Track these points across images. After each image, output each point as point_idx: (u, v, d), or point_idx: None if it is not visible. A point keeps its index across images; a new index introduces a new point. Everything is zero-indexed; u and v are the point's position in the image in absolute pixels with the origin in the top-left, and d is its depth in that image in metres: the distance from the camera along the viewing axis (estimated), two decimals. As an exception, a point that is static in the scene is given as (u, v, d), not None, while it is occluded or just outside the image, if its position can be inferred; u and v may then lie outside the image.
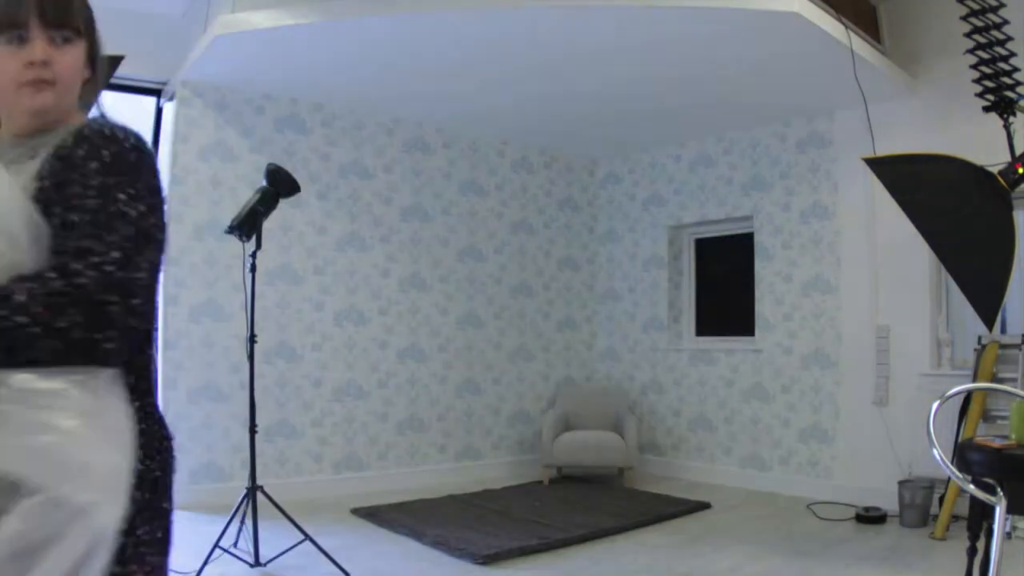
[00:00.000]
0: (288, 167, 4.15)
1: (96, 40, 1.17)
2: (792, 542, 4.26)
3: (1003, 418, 4.17)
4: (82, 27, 1.13)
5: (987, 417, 4.33)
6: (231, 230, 3.55)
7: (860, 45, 4.46)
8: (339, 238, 5.57)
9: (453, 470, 5.93)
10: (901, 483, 4.68)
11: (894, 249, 5.11)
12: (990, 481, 2.32)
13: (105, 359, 1.00)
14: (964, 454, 2.40)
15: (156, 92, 5.27)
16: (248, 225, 3.56)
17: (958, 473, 2.33)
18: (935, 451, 2.26)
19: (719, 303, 6.59)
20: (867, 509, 4.71)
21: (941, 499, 4.42)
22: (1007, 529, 3.93)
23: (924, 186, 3.56)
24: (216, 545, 3.36)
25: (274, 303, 5.24)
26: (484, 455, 6.19)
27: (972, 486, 2.31)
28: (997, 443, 2.44)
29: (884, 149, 4.16)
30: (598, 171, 7.19)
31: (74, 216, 0.99)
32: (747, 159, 6.04)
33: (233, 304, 5.03)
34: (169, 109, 5.12)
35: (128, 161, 1.05)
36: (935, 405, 2.39)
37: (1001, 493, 2.26)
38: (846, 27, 4.27)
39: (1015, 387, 3.94)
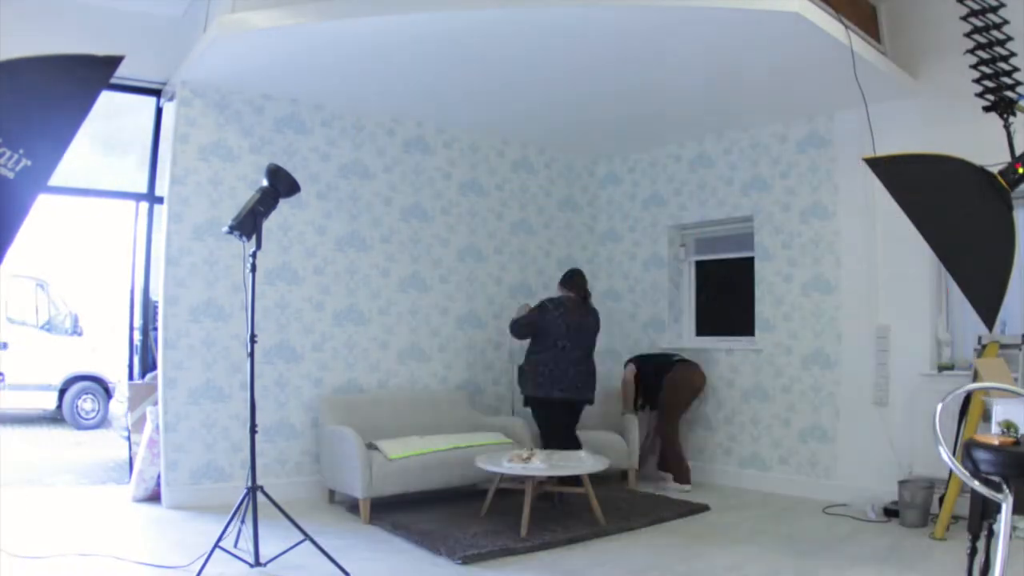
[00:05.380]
0: (288, 167, 4.14)
1: None
2: (792, 542, 4.25)
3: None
4: None
5: (988, 417, 4.33)
6: (231, 230, 3.55)
7: (860, 45, 4.46)
8: (339, 238, 5.57)
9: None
10: (901, 483, 4.68)
11: (894, 249, 5.12)
12: (995, 479, 2.32)
13: None
14: (969, 452, 2.41)
15: (156, 92, 5.27)
16: (248, 225, 3.56)
17: (965, 471, 2.33)
18: (941, 449, 2.27)
19: (719, 303, 6.59)
20: (895, 503, 4.72)
21: (941, 499, 4.42)
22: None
23: (924, 186, 3.56)
24: (216, 545, 3.36)
25: (274, 303, 5.24)
26: (484, 455, 6.18)
27: (979, 483, 2.31)
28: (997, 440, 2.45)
29: (884, 149, 4.15)
30: (598, 171, 7.19)
31: None
32: (747, 159, 6.04)
33: (233, 304, 5.03)
34: (169, 109, 5.11)
35: None
36: (939, 405, 2.40)
37: (1007, 490, 2.26)
38: (846, 27, 4.28)
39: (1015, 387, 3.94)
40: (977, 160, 3.50)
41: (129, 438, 5.37)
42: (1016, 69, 3.69)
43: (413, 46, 4.41)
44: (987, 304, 3.43)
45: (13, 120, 2.66)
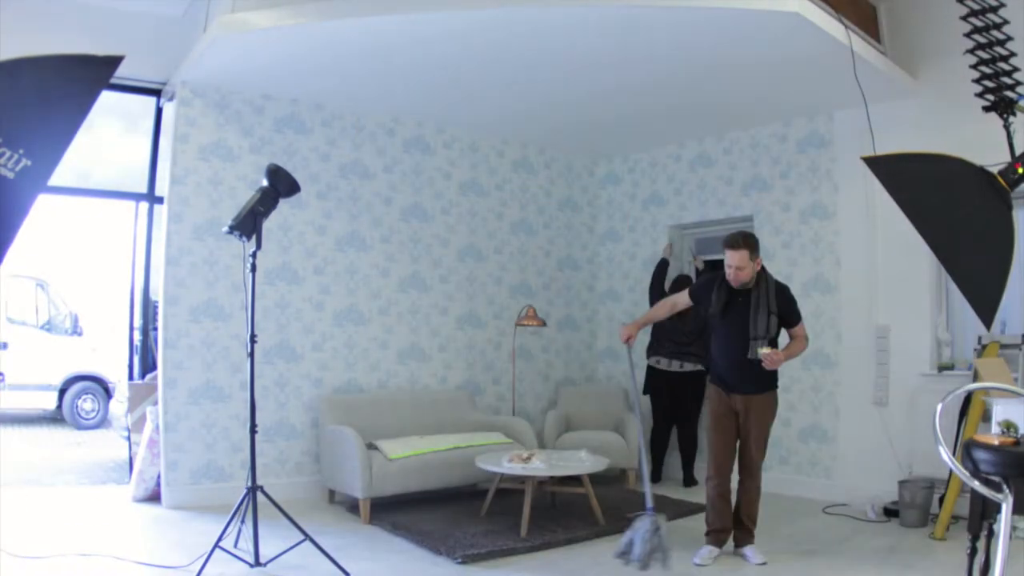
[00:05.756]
0: (288, 167, 4.14)
1: None
2: (792, 542, 4.26)
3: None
4: None
5: (988, 417, 4.33)
6: (231, 230, 3.55)
7: (860, 45, 4.46)
8: (339, 238, 5.57)
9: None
10: (901, 483, 4.68)
11: (894, 249, 5.12)
12: (995, 479, 2.32)
13: None
14: (969, 452, 2.41)
15: (156, 92, 5.27)
16: (248, 225, 3.56)
17: (965, 471, 2.33)
18: (942, 449, 2.27)
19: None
20: (895, 503, 4.72)
21: (941, 499, 4.42)
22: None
23: (923, 186, 3.55)
24: (216, 545, 3.36)
25: (274, 303, 5.24)
26: (484, 455, 6.18)
27: (979, 483, 2.31)
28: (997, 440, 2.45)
29: (884, 149, 4.15)
30: (598, 171, 7.19)
31: None
32: (747, 159, 6.04)
33: (233, 304, 5.03)
34: (169, 109, 5.11)
35: None
36: (939, 405, 2.40)
37: (1007, 490, 2.26)
38: (846, 27, 4.28)
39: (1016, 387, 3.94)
40: (977, 160, 3.49)
41: (129, 438, 5.38)
42: (1016, 69, 3.69)
43: (413, 46, 4.41)
44: (986, 304, 3.43)
45: (13, 120, 2.66)
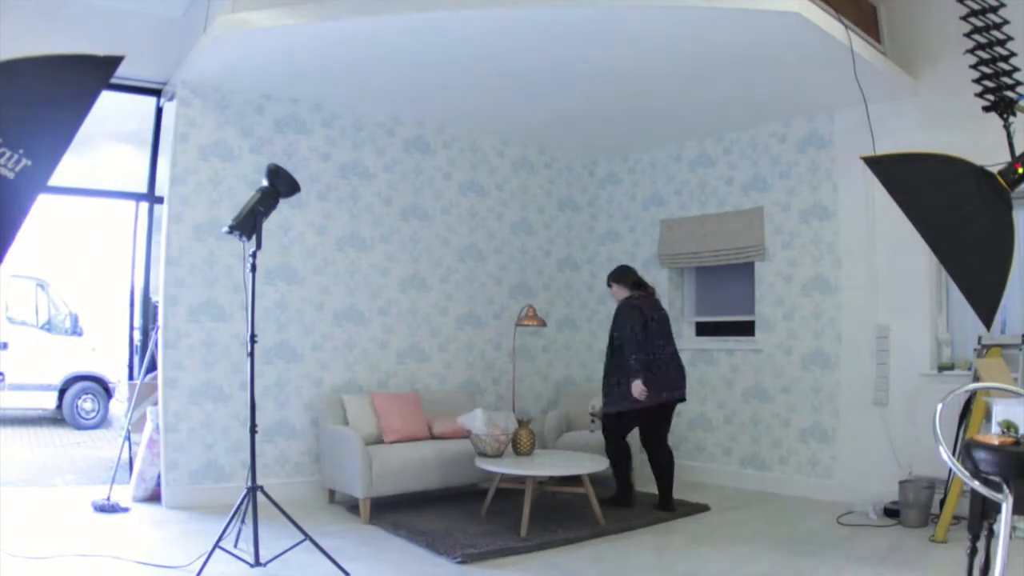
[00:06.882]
0: (288, 167, 4.14)
1: None
2: (792, 542, 4.25)
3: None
4: None
5: (989, 417, 4.32)
6: (231, 230, 3.55)
7: (860, 45, 4.46)
8: (339, 238, 5.57)
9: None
10: (901, 483, 4.68)
11: (894, 249, 5.12)
12: (995, 479, 2.32)
13: None
14: (969, 452, 2.41)
15: (156, 92, 5.28)
16: (248, 225, 3.56)
17: (965, 471, 2.33)
18: (941, 449, 2.27)
19: (719, 302, 6.58)
20: (895, 503, 4.72)
21: (942, 501, 4.42)
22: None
23: (923, 186, 3.55)
24: (216, 545, 3.35)
25: (274, 303, 5.24)
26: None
27: (979, 483, 2.31)
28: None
29: (884, 149, 4.15)
30: (598, 171, 7.19)
31: None
32: (747, 159, 6.04)
33: (233, 304, 5.03)
34: (169, 109, 5.11)
35: None
36: (939, 405, 2.40)
37: (1007, 490, 2.26)
38: (846, 27, 4.28)
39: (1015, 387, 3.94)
40: (977, 160, 3.49)
41: (129, 438, 5.37)
42: (1016, 69, 3.69)
43: (412, 46, 4.41)
44: (986, 304, 3.42)
45: (13, 120, 2.66)
